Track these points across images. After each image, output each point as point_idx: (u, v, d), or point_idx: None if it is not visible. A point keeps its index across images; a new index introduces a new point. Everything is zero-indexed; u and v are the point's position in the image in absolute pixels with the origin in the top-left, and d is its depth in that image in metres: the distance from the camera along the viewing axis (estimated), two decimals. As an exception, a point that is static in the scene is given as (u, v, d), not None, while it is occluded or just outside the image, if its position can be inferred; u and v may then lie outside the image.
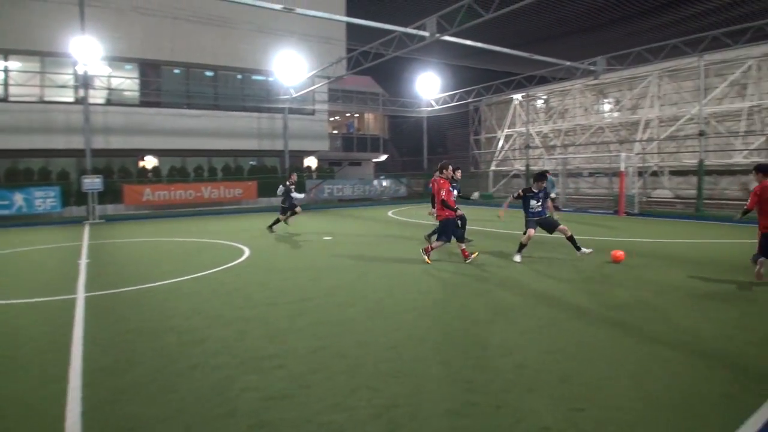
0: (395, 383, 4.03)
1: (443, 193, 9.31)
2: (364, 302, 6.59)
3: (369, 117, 39.72)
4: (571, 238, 9.44)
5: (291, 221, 15.36)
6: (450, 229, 9.43)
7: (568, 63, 20.98)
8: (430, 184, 10.08)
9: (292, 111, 26.90)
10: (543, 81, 26.02)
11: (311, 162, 31.73)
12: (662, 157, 24.43)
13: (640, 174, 23.56)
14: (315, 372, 4.29)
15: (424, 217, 18.93)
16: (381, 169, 40.68)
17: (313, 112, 29.10)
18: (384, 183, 30.96)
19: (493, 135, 33.03)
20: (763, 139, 20.51)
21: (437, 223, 9.93)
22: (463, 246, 9.61)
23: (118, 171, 23.78)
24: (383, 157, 38.69)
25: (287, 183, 14.63)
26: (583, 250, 9.47)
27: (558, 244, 10.78)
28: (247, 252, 11.00)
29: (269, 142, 27.26)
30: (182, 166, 25.59)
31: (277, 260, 10.12)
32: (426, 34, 15.58)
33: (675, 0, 16.12)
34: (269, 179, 26.40)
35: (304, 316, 5.96)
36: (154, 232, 15.43)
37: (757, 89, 21.57)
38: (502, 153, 32.17)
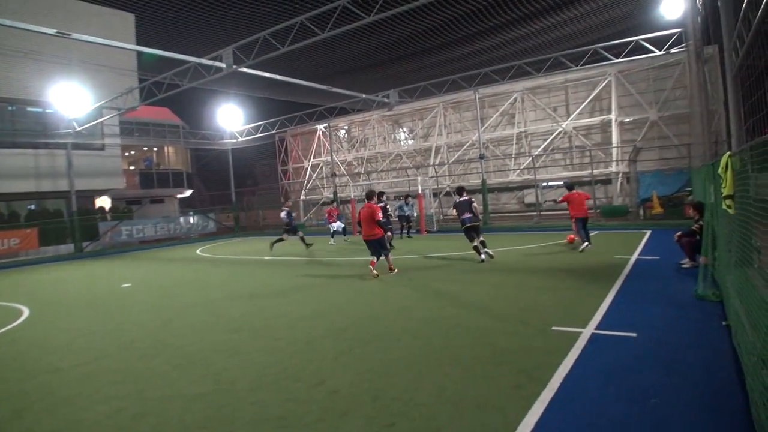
0: (204, 435, 3.78)
1: (380, 214, 10.72)
2: (170, 351, 6.09)
3: (169, 151, 37.35)
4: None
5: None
6: (385, 243, 10.95)
7: (364, 95, 22.27)
8: (359, 213, 11.54)
9: (77, 146, 24.07)
10: (343, 112, 27.25)
11: (104, 202, 28.72)
12: (453, 179, 27.16)
13: (436, 195, 25.85)
14: (110, 439, 3.82)
15: (237, 252, 18.33)
16: (187, 206, 38.40)
17: (102, 147, 26.44)
18: (191, 220, 29.31)
19: (301, 165, 33.54)
20: (530, 159, 24.01)
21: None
22: (376, 261, 10.77)
23: None
24: (188, 193, 36.61)
25: (286, 209, 17.51)
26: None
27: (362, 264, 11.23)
28: (26, 312, 9.44)
29: (50, 183, 23.97)
30: (-67, 216, 21.22)
31: (65, 317, 8.84)
32: (222, 65, 15.29)
33: (450, 41, 18.21)
34: (53, 225, 23.20)
35: (97, 378, 5.28)
36: None
37: (523, 118, 25.31)
38: (311, 182, 32.78)
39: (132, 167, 35.69)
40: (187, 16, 15.74)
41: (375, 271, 10.47)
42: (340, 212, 20.98)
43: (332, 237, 20.17)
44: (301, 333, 6.51)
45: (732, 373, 4.33)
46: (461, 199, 12.02)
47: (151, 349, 6.26)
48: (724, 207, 4.85)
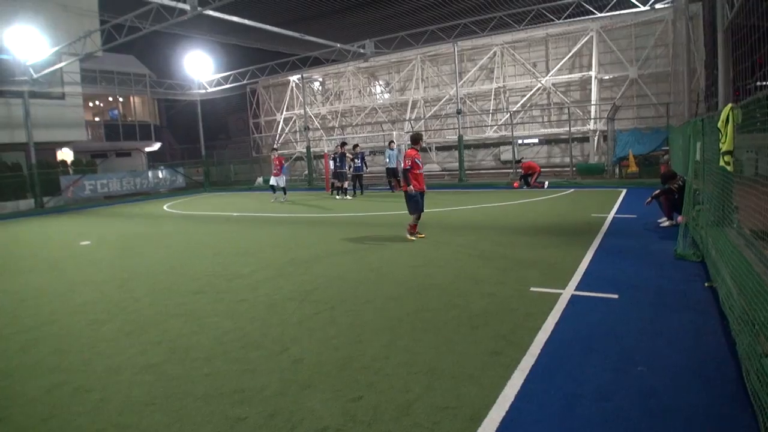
0: (149, 413, 3.37)
1: (407, 162, 8.66)
2: (123, 315, 5.64)
3: (135, 101, 35.73)
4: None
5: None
6: (412, 201, 8.94)
7: (339, 45, 21.34)
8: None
9: (35, 95, 22.63)
10: (317, 63, 26.15)
11: (66, 155, 27.45)
12: (429, 134, 26.61)
13: (412, 151, 25.29)
14: (46, 420, 3.39)
15: (205, 208, 17.79)
16: (157, 159, 37.05)
17: (63, 96, 25.07)
18: (159, 174, 28.29)
19: (273, 118, 32.55)
20: (507, 115, 23.56)
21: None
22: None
23: None
24: (156, 146, 35.28)
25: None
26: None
27: (318, 222, 10.86)
28: (-29, 270, 8.84)
29: (7, 134, 22.65)
30: None
31: (14, 278, 8.20)
32: (186, 6, 14.26)
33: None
34: (11, 179, 22.03)
35: (40, 347, 4.79)
36: None
37: (502, 73, 24.72)
38: (283, 136, 31.89)
39: (97, 119, 34.17)
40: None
41: (416, 235, 9.24)
42: (282, 164, 18.67)
43: (274, 192, 18.75)
44: (265, 295, 6.11)
45: (721, 339, 4.10)
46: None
47: (103, 313, 5.79)
48: (722, 164, 4.54)
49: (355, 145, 19.41)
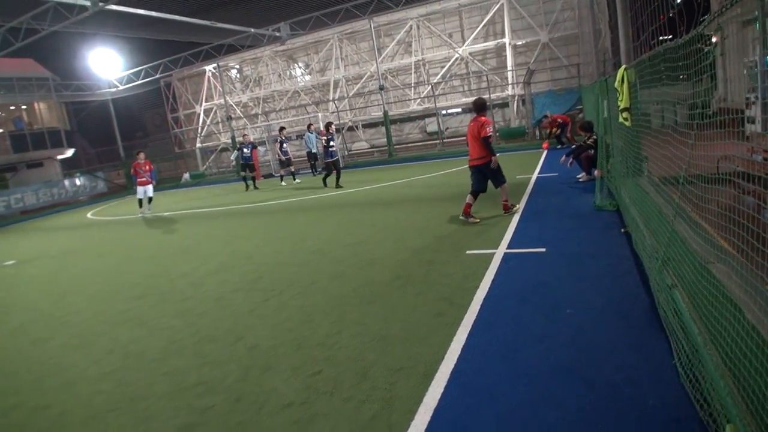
0: (114, 418, 3.43)
1: (488, 129, 7.51)
2: (66, 330, 5.52)
3: (41, 107, 33.44)
4: None
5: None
6: (493, 171, 7.65)
7: (253, 30, 20.89)
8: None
9: (-76, 111, 20.89)
10: (232, 49, 25.48)
11: (-29, 171, 25.52)
12: (354, 113, 26.70)
13: (338, 131, 25.28)
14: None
15: (132, 211, 17.17)
16: (72, 166, 34.86)
17: (-42, 109, 23.20)
18: (77, 182, 26.85)
19: (192, 111, 31.49)
20: (429, 87, 23.97)
21: None
22: (471, 201, 7.92)
23: None
24: (70, 152, 33.23)
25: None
26: None
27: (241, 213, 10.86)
28: None
29: None
30: None
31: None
32: (87, 2, 13.54)
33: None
34: None
35: (-20, 370, 4.69)
36: None
37: (420, 46, 25.01)
38: (205, 128, 30.99)
39: (0, 130, 31.77)
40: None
41: (475, 218, 7.79)
42: (152, 168, 15.28)
43: (149, 203, 15.45)
44: (211, 290, 6.16)
45: (636, 277, 4.57)
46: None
47: (45, 331, 5.63)
48: (620, 120, 4.98)
49: (329, 123, 14.84)
